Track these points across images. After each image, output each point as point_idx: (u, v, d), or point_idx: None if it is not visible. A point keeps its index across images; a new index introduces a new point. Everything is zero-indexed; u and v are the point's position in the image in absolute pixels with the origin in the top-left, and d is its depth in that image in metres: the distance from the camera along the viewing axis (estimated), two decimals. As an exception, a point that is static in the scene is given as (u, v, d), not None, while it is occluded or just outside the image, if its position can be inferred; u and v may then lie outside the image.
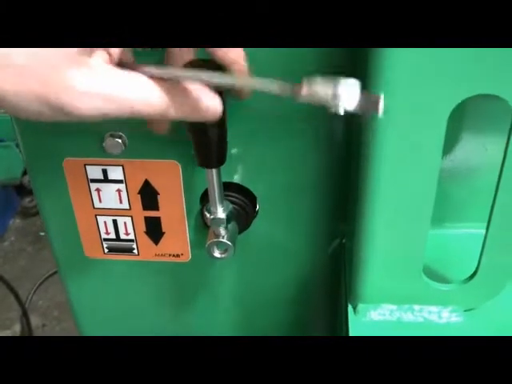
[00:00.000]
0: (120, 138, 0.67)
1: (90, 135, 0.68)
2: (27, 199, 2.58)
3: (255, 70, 0.57)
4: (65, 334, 2.06)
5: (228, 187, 0.70)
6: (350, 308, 0.66)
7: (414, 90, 0.51)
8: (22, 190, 2.52)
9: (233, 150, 0.68)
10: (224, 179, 0.70)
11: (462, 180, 0.73)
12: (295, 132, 0.67)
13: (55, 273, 1.94)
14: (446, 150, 0.69)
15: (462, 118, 0.68)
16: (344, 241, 0.75)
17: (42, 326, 2.18)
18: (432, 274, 0.64)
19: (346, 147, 0.67)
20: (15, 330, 2.14)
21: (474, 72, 0.49)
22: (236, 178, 0.71)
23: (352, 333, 0.63)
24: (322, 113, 0.62)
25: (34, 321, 2.16)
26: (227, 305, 0.82)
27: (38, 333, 2.13)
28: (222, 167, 0.68)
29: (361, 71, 0.53)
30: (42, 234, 2.43)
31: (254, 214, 0.73)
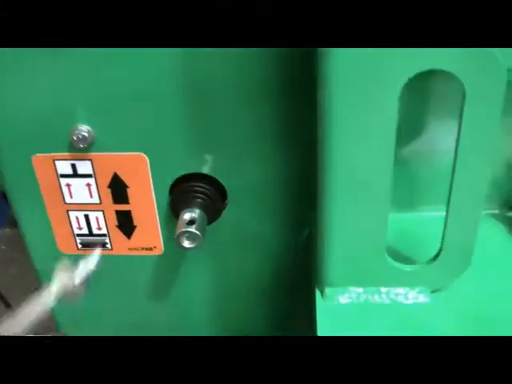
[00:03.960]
0: (87, 131, 0.67)
1: (58, 130, 0.68)
2: (17, 208, 2.58)
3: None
4: (57, 341, 2.06)
5: (197, 178, 0.71)
6: (317, 292, 0.67)
7: (363, 67, 0.51)
8: (12, 199, 2.52)
9: (202, 142, 0.69)
10: (193, 170, 0.71)
11: (427, 163, 0.73)
12: (263, 125, 0.68)
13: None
14: (410, 134, 0.70)
15: (427, 101, 0.69)
16: (312, 229, 0.75)
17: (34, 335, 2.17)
18: (398, 256, 0.65)
19: (313, 137, 0.68)
20: (8, 339, 2.14)
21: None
22: (205, 170, 0.71)
23: (319, 316, 0.64)
24: (290, 106, 0.65)
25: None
26: (202, 296, 0.83)
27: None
28: (191, 157, 0.69)
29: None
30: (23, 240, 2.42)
31: (223, 205, 0.73)
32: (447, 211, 0.60)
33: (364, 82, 0.52)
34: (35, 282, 2.24)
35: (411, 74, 0.51)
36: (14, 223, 2.56)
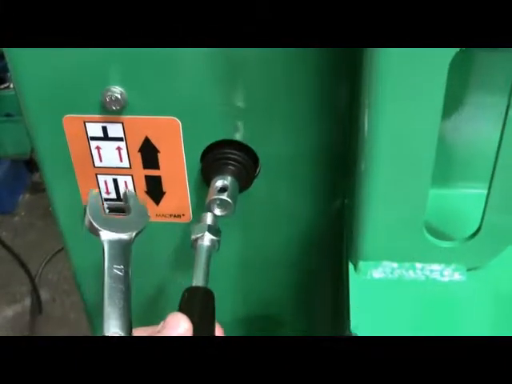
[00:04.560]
0: (120, 93, 0.66)
1: (89, 91, 0.67)
2: (37, 174, 2.59)
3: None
4: (74, 307, 2.08)
5: (229, 145, 0.70)
6: (350, 266, 0.65)
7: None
8: (32, 165, 2.53)
9: (236, 108, 0.67)
10: (226, 137, 0.69)
11: (467, 140, 0.71)
12: (298, 93, 0.66)
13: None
14: (450, 110, 0.68)
15: (468, 77, 0.67)
16: (346, 200, 0.74)
17: (52, 299, 2.19)
18: (435, 233, 0.63)
19: (348, 106, 0.66)
20: (25, 303, 2.16)
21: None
22: (237, 136, 0.70)
23: (352, 290, 0.63)
24: (325, 77, 0.63)
25: (44, 295, 2.18)
26: (228, 266, 0.82)
27: (47, 307, 2.15)
28: (223, 125, 0.68)
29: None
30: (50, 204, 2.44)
31: (256, 173, 0.72)
32: (489, 189, 0.59)
33: (412, 59, 0.50)
34: (54, 248, 2.26)
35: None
36: (33, 190, 2.59)
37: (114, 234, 0.68)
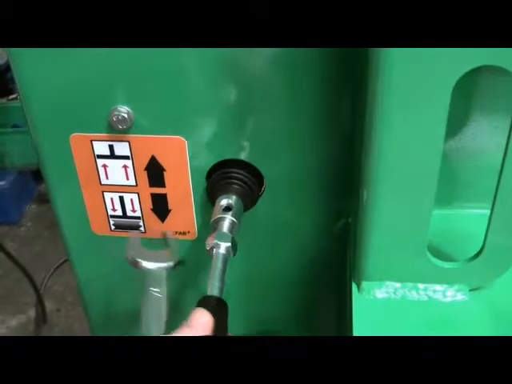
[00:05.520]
0: (126, 113, 0.67)
1: (97, 110, 0.68)
2: (43, 185, 2.59)
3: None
4: (79, 318, 2.08)
5: (235, 164, 0.70)
6: (354, 286, 0.66)
7: (416, 62, 0.50)
8: (39, 176, 2.53)
9: (241, 127, 0.68)
10: (231, 156, 0.70)
11: (470, 160, 0.72)
12: (302, 112, 0.67)
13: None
14: (454, 130, 0.69)
15: (471, 97, 0.68)
16: (349, 220, 0.74)
17: (57, 310, 2.19)
18: (438, 253, 0.64)
19: (352, 126, 0.67)
20: (30, 314, 2.16)
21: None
22: (242, 156, 0.70)
23: (355, 310, 0.63)
24: (328, 95, 0.64)
25: (49, 306, 2.18)
26: (233, 284, 0.82)
27: (52, 317, 2.15)
28: (229, 143, 0.68)
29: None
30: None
31: (260, 192, 0.73)
32: (492, 210, 0.59)
33: (418, 78, 0.51)
34: (60, 259, 2.26)
35: (465, 70, 0.50)
36: (40, 201, 2.59)
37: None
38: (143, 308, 0.71)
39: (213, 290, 0.63)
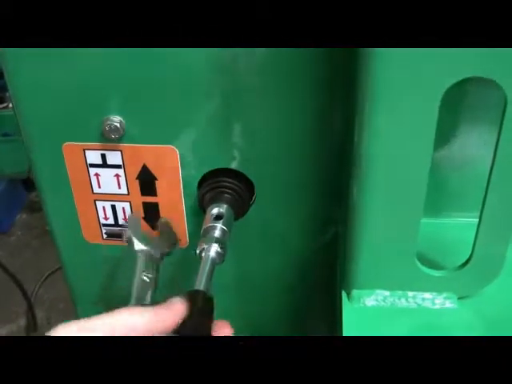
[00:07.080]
0: (119, 122, 0.67)
1: (89, 120, 0.68)
2: (34, 193, 2.59)
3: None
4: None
5: (226, 173, 0.71)
6: (343, 294, 0.66)
7: (405, 73, 0.51)
8: (29, 185, 2.54)
9: (232, 137, 0.69)
10: (222, 165, 0.71)
11: (458, 170, 0.73)
12: (293, 122, 0.67)
13: (61, 267, 1.96)
14: (442, 140, 0.70)
15: (461, 109, 0.68)
16: (339, 229, 0.75)
17: (47, 319, 2.19)
18: (427, 262, 0.64)
19: (342, 136, 0.68)
20: (20, 323, 2.16)
21: (465, 53, 0.49)
22: (234, 165, 0.71)
23: (345, 319, 0.64)
24: (319, 105, 0.65)
25: (40, 314, 2.17)
26: (223, 292, 0.82)
27: (43, 326, 2.14)
28: (220, 152, 0.69)
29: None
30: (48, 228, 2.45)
31: (251, 200, 0.73)
32: (480, 219, 0.60)
33: (407, 86, 0.51)
34: (50, 268, 2.25)
35: (454, 81, 0.51)
36: (30, 210, 2.58)
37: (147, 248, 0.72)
38: (131, 290, 0.71)
39: (200, 286, 0.63)
